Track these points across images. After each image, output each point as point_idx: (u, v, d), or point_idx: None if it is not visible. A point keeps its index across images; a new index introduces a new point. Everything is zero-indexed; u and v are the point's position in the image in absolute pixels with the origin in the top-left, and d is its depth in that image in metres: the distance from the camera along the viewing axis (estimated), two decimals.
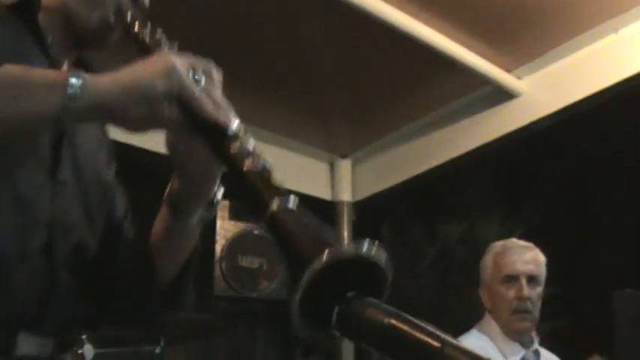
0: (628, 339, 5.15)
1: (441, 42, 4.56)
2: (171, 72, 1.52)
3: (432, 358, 1.27)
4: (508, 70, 4.98)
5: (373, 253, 1.40)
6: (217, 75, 1.65)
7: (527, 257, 4.01)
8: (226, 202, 5.94)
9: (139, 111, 1.52)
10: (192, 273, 1.93)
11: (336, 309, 1.37)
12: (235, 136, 1.59)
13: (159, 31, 1.84)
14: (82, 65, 1.93)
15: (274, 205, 1.48)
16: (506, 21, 4.56)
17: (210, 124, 1.59)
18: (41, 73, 1.57)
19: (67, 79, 1.49)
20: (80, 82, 1.49)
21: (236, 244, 6.18)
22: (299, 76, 4.92)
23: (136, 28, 1.84)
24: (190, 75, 1.56)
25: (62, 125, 1.59)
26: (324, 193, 6.06)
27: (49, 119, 1.52)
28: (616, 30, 4.61)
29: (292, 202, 1.51)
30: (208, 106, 1.57)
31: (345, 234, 6.03)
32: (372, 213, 6.64)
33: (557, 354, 4.17)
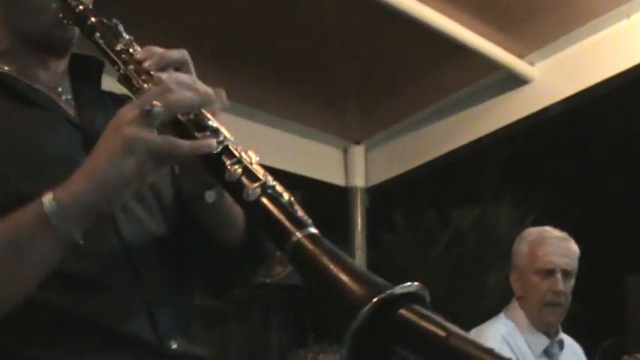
0: None
1: (453, 28, 4.56)
2: (130, 146, 1.44)
3: (439, 346, 1.29)
4: (520, 56, 4.98)
5: (418, 287, 1.35)
6: (175, 88, 1.50)
7: (563, 250, 4.02)
8: None
9: (124, 191, 1.49)
10: (255, 254, 1.88)
11: None
12: (223, 153, 1.49)
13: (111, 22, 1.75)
14: (80, 64, 1.92)
15: (296, 237, 1.38)
16: (518, 7, 4.56)
17: (197, 154, 1.50)
18: (21, 220, 1.48)
19: (44, 214, 1.44)
20: (54, 206, 1.44)
21: None
22: (312, 63, 4.93)
23: (89, 21, 1.74)
24: (145, 113, 1.45)
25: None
26: (337, 179, 6.08)
27: (52, 255, 1.48)
28: (628, 15, 4.60)
29: (314, 231, 1.41)
30: (181, 144, 1.47)
31: (359, 220, 6.05)
32: (385, 199, 6.68)
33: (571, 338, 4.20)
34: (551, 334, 4.02)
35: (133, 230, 1.73)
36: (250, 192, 1.43)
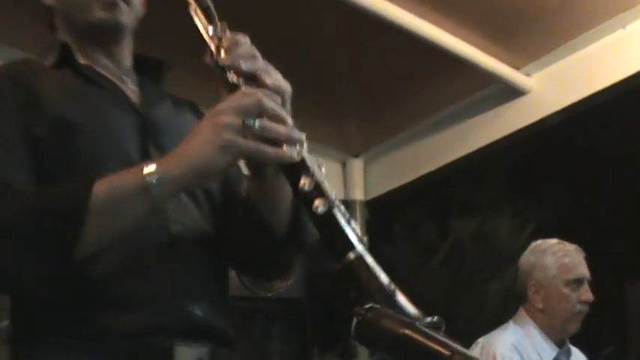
0: None
1: (450, 41, 4.59)
2: (227, 148, 1.63)
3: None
4: (517, 68, 5.01)
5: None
6: (268, 104, 1.70)
7: (583, 260, 4.08)
8: None
9: (209, 180, 1.79)
10: (298, 237, 1.99)
11: (355, 319, 1.46)
12: (301, 167, 1.68)
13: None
14: (144, 64, 2.11)
15: (350, 256, 1.60)
16: (513, 18, 4.59)
17: (277, 163, 1.71)
18: (123, 184, 1.68)
19: (147, 183, 1.64)
20: (156, 179, 1.64)
21: None
22: (310, 76, 4.94)
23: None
24: (243, 124, 1.64)
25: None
26: (336, 192, 6.08)
27: (141, 219, 1.69)
28: (624, 25, 4.63)
29: (362, 252, 1.62)
30: (268, 151, 1.65)
31: (359, 232, 6.07)
32: (384, 211, 6.67)
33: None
34: (560, 342, 4.04)
35: (177, 213, 1.89)
36: (321, 206, 1.64)
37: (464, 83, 5.15)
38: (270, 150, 1.65)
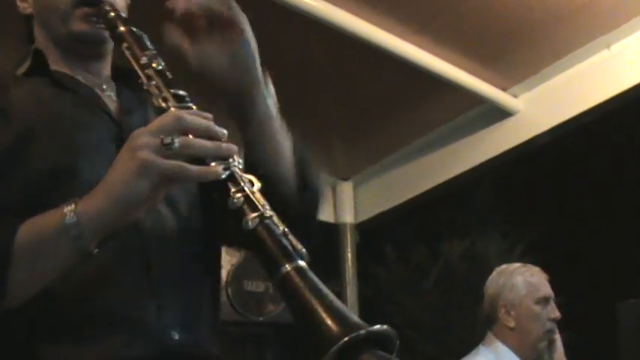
0: (633, 349, 5.18)
1: (436, 64, 4.61)
2: (144, 170, 1.51)
3: None
4: (504, 89, 5.03)
5: (389, 330, 1.38)
6: (190, 119, 1.58)
7: (547, 281, 4.13)
8: None
9: (138, 209, 1.56)
10: (305, 164, 2.00)
11: None
12: (228, 179, 1.55)
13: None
14: (123, 74, 2.00)
15: (285, 269, 1.44)
16: (499, 40, 4.61)
17: (204, 181, 1.59)
18: (45, 225, 1.59)
19: (65, 224, 1.54)
20: (74, 219, 1.53)
21: (241, 269, 6.25)
22: (297, 101, 4.95)
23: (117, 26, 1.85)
24: (162, 143, 1.51)
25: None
26: (326, 215, 6.09)
27: (69, 260, 1.57)
28: (608, 45, 4.66)
29: (302, 264, 1.46)
30: (191, 170, 1.53)
31: (349, 255, 6.07)
32: (374, 234, 6.68)
33: None
34: None
35: (152, 224, 1.81)
36: (249, 222, 1.49)
37: (451, 105, 5.17)
38: (193, 169, 1.52)
